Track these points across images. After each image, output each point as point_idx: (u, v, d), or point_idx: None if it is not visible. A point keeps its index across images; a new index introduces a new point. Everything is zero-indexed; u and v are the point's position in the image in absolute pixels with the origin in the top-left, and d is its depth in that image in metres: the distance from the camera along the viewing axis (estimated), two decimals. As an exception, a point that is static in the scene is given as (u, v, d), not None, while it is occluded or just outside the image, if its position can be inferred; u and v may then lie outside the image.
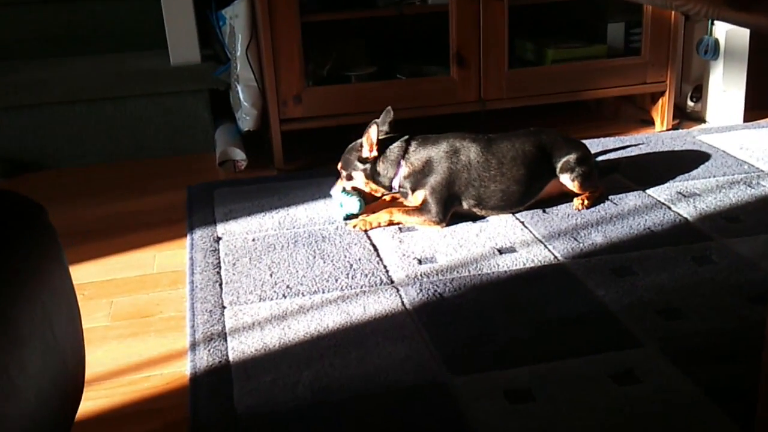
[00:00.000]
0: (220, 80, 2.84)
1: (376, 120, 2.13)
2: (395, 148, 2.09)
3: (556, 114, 3.00)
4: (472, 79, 2.67)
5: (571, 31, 2.99)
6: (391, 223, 2.08)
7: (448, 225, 2.08)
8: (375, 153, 2.09)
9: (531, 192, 2.15)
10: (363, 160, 2.10)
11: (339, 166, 2.17)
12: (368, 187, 2.13)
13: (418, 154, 2.08)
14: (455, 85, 2.67)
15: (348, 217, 2.12)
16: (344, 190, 2.13)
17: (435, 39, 2.84)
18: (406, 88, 2.67)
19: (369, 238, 2.03)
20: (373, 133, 2.07)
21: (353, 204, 2.11)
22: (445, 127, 2.20)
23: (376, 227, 2.08)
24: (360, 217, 2.09)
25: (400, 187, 2.11)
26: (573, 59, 2.79)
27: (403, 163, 2.08)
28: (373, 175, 2.11)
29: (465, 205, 2.10)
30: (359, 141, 2.13)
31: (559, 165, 2.15)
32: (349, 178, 2.14)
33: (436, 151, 2.08)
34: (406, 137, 2.12)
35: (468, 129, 2.18)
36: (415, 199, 2.09)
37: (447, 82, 2.67)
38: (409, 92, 2.65)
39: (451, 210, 2.09)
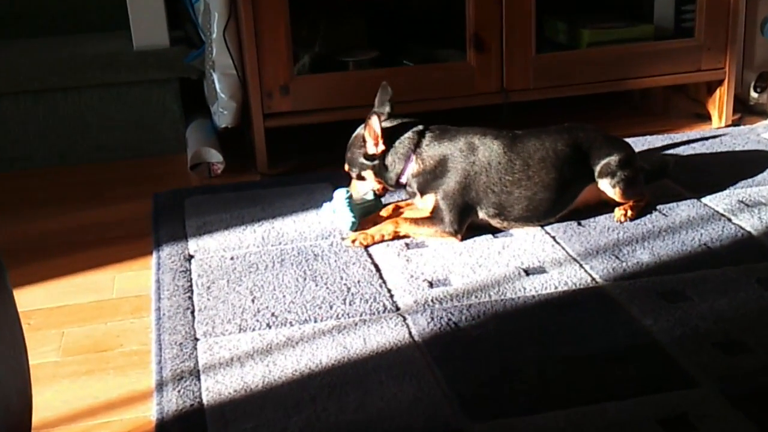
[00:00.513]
0: (193, 67, 2.85)
1: (375, 110, 2.14)
2: (405, 140, 2.10)
3: (594, 108, 3.01)
4: (493, 65, 2.68)
5: (610, 8, 3.01)
6: (396, 237, 2.09)
7: (464, 239, 2.09)
8: (382, 147, 2.10)
9: (563, 200, 2.15)
10: (370, 157, 2.11)
11: (346, 167, 2.18)
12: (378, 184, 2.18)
13: (431, 150, 2.09)
14: (473, 72, 2.68)
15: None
16: (348, 198, 2.12)
17: (448, 17, 2.86)
18: (414, 77, 2.68)
19: (370, 256, 2.04)
20: (375, 125, 2.07)
21: (345, 218, 2.12)
22: (459, 123, 2.21)
23: (378, 241, 2.08)
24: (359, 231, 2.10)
25: (406, 185, 2.12)
26: (613, 41, 2.80)
27: (413, 157, 2.09)
28: (380, 171, 2.13)
29: (483, 215, 2.11)
30: (360, 133, 2.14)
31: (597, 168, 2.15)
32: (361, 178, 2.17)
33: (452, 149, 2.08)
34: (420, 128, 2.12)
35: (487, 125, 2.19)
36: (423, 203, 2.10)
37: (463, 69, 2.68)
38: (417, 81, 2.66)
39: (467, 220, 2.09)
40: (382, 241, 2.08)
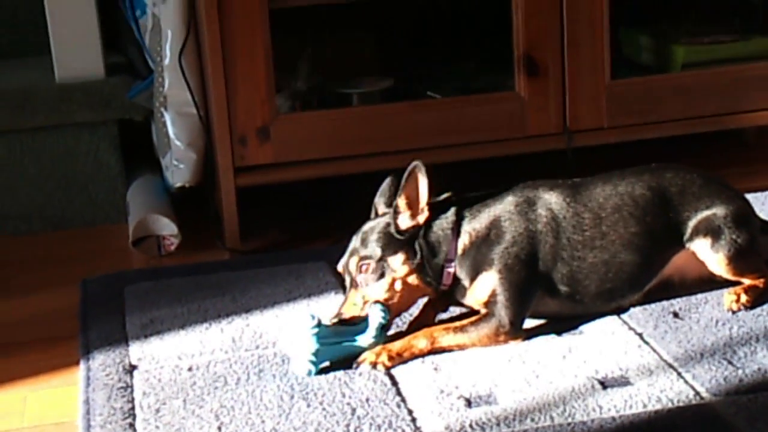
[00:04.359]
0: (137, 105, 2.88)
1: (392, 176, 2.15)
2: (446, 212, 2.09)
3: (692, 152, 3.01)
4: (552, 96, 2.70)
5: (713, 16, 3.03)
6: (431, 352, 2.07)
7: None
8: (426, 214, 2.07)
9: (650, 266, 2.15)
10: (403, 232, 2.09)
11: (345, 260, 2.09)
12: (402, 290, 2.06)
13: (479, 216, 2.10)
14: (523, 106, 2.70)
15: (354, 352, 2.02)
16: (317, 327, 1.97)
17: (489, 32, 2.89)
18: (443, 115, 2.70)
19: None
20: (422, 177, 2.03)
21: (302, 354, 1.98)
22: (505, 177, 2.21)
23: (407, 360, 2.03)
24: (377, 347, 2.02)
25: (453, 279, 2.10)
26: (717, 61, 2.83)
27: (462, 229, 2.09)
28: (423, 254, 2.06)
29: (551, 299, 2.11)
30: (379, 221, 2.08)
31: (692, 224, 2.14)
32: (378, 274, 2.05)
33: (503, 208, 2.10)
34: (452, 196, 2.13)
35: (545, 178, 2.20)
36: (476, 293, 2.08)
37: (510, 102, 2.70)
38: (446, 120, 2.68)
39: (529, 308, 2.09)
40: (413, 358, 2.03)
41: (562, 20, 2.67)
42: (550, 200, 2.11)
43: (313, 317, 1.98)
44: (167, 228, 2.68)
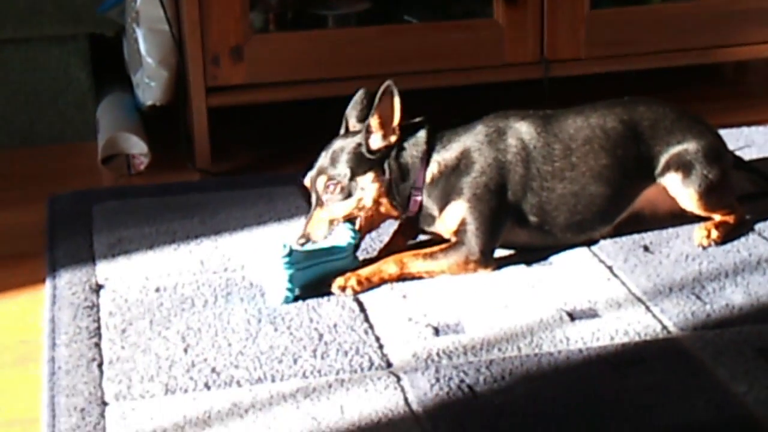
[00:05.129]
0: (108, 20, 2.85)
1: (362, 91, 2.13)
2: (416, 136, 2.09)
3: (670, 86, 3.01)
4: (529, 24, 2.68)
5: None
6: (401, 278, 2.08)
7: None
8: (397, 135, 2.05)
9: (620, 199, 2.16)
10: (374, 152, 2.07)
11: (312, 176, 2.08)
12: (369, 210, 2.06)
13: (449, 145, 2.09)
14: (501, 34, 2.68)
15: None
16: (289, 255, 1.96)
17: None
18: (420, 40, 2.68)
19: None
20: (395, 97, 2.01)
21: (277, 282, 1.97)
22: (484, 105, 2.20)
23: (376, 285, 2.05)
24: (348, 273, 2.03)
25: (419, 207, 2.10)
26: (699, -7, 2.82)
27: (432, 159, 2.08)
28: (392, 174, 2.06)
29: (520, 229, 2.11)
30: (350, 141, 2.06)
31: (664, 158, 2.15)
32: (346, 193, 2.04)
33: (473, 139, 2.09)
34: (425, 123, 2.12)
35: (520, 108, 2.19)
36: (445, 222, 2.08)
37: (487, 29, 2.69)
38: (423, 46, 2.66)
39: (499, 238, 2.10)
40: (382, 283, 2.04)
41: (542, -57, 2.65)
42: (521, 130, 2.11)
43: (285, 246, 1.98)
44: (137, 147, 2.66)
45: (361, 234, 2.10)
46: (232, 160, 2.71)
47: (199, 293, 2.03)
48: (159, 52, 2.68)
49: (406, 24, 2.74)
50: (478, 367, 1.77)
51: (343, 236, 2.05)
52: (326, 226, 2.05)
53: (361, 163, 2.05)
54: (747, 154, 2.53)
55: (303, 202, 2.34)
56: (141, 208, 2.39)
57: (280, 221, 2.29)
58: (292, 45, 2.65)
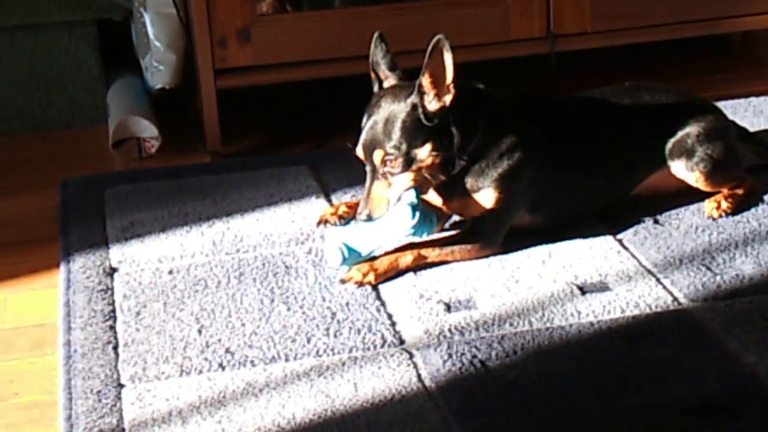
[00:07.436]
0: (116, 5, 2.85)
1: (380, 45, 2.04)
2: (469, 104, 2.00)
3: (677, 59, 3.00)
4: (535, 0, 2.68)
5: None
6: (417, 267, 2.04)
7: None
8: (453, 93, 1.95)
9: (627, 185, 2.19)
10: (431, 117, 1.96)
11: (367, 148, 1.98)
12: (425, 178, 2.00)
13: (502, 121, 2.05)
14: (507, 10, 2.68)
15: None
16: (366, 216, 1.97)
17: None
18: (426, 16, 2.68)
19: (364, 268, 2.06)
20: (448, 53, 1.93)
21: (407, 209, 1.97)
22: (487, 81, 2.20)
23: (390, 276, 2.01)
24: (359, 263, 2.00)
25: (462, 171, 2.03)
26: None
27: (479, 131, 2.01)
28: (444, 145, 1.98)
29: (530, 213, 2.12)
30: (401, 105, 1.95)
31: (668, 146, 2.16)
32: (405, 166, 1.96)
33: (521, 127, 2.06)
34: (477, 88, 2.08)
35: (526, 85, 2.19)
36: (471, 205, 2.05)
37: (494, 5, 2.68)
38: (428, 24, 2.65)
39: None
40: (395, 274, 2.01)
41: None
42: (552, 124, 2.12)
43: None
44: (147, 130, 2.67)
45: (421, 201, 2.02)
46: (242, 141, 2.71)
47: (212, 274, 2.04)
48: (167, 36, 2.68)
49: (412, 2, 2.74)
50: (490, 343, 1.78)
51: (407, 200, 1.99)
52: (386, 202, 1.99)
53: (418, 132, 1.95)
54: (755, 125, 2.53)
55: (313, 181, 2.36)
56: (153, 191, 2.40)
57: (291, 201, 2.30)
58: (298, 25, 2.65)
